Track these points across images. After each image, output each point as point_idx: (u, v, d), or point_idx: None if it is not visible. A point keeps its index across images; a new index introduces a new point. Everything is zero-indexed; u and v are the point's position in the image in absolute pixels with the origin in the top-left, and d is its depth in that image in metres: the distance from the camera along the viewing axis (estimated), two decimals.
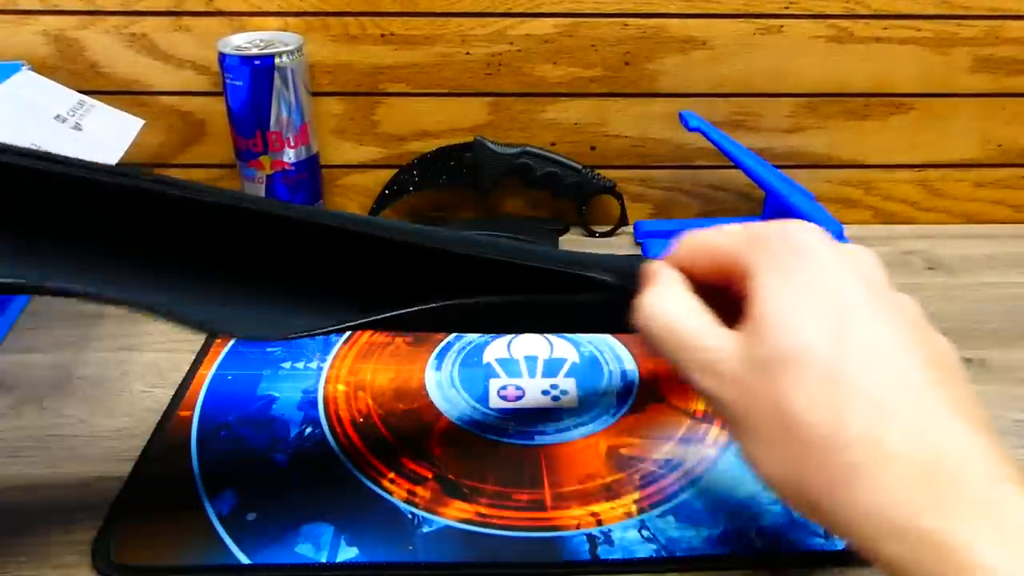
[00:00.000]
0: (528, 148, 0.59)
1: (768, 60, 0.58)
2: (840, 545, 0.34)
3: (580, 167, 0.59)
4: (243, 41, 0.54)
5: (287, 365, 0.45)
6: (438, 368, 0.45)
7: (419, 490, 0.36)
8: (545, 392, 0.43)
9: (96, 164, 0.31)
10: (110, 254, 0.31)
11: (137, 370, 0.45)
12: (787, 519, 0.35)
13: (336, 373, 0.44)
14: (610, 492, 0.37)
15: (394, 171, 0.60)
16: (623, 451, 0.39)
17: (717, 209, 0.64)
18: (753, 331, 0.27)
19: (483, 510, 0.36)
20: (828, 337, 0.25)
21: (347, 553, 0.33)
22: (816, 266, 0.27)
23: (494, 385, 0.44)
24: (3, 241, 0.30)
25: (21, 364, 0.45)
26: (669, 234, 0.60)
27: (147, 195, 0.31)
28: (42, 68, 0.56)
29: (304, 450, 0.39)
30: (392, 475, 0.37)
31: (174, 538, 0.34)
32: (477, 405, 0.42)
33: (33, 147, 0.45)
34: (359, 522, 0.35)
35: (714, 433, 0.40)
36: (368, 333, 0.48)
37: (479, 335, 0.48)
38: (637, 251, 0.59)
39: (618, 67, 0.59)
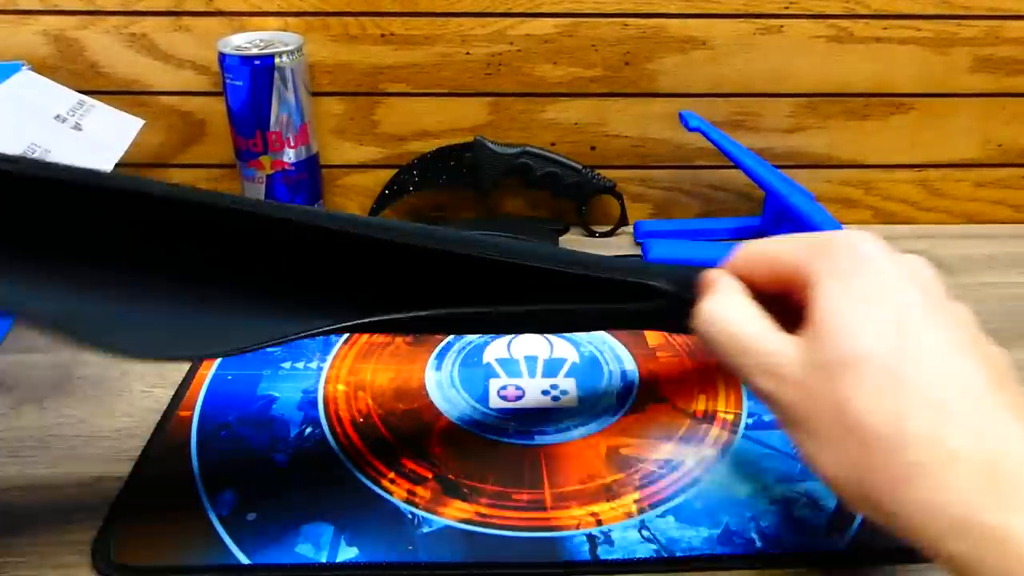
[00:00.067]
0: (528, 148, 0.59)
1: (768, 60, 0.58)
2: (840, 545, 0.34)
3: (580, 167, 0.59)
4: (243, 41, 0.54)
5: (287, 365, 0.45)
6: (438, 368, 0.45)
7: (419, 490, 0.36)
8: (545, 392, 0.43)
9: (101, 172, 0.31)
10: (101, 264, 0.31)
11: (137, 370, 0.45)
12: (787, 519, 0.35)
13: (336, 373, 0.44)
14: (610, 492, 0.37)
15: (394, 171, 0.60)
16: (623, 451, 0.39)
17: (717, 209, 0.64)
18: (814, 335, 0.27)
19: (483, 510, 0.36)
20: (889, 341, 0.26)
21: (347, 553, 0.33)
22: (875, 273, 0.28)
23: (494, 385, 0.44)
24: None
25: (21, 364, 0.45)
26: (669, 234, 0.61)
27: (131, 197, 0.31)
28: (42, 68, 0.56)
29: (304, 450, 0.39)
30: (392, 475, 0.37)
31: (174, 538, 0.34)
32: (477, 405, 0.42)
33: (33, 147, 0.45)
34: (359, 522, 0.35)
35: (714, 433, 0.40)
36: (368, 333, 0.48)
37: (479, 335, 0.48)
38: (637, 251, 0.59)
39: (618, 67, 0.59)
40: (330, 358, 0.46)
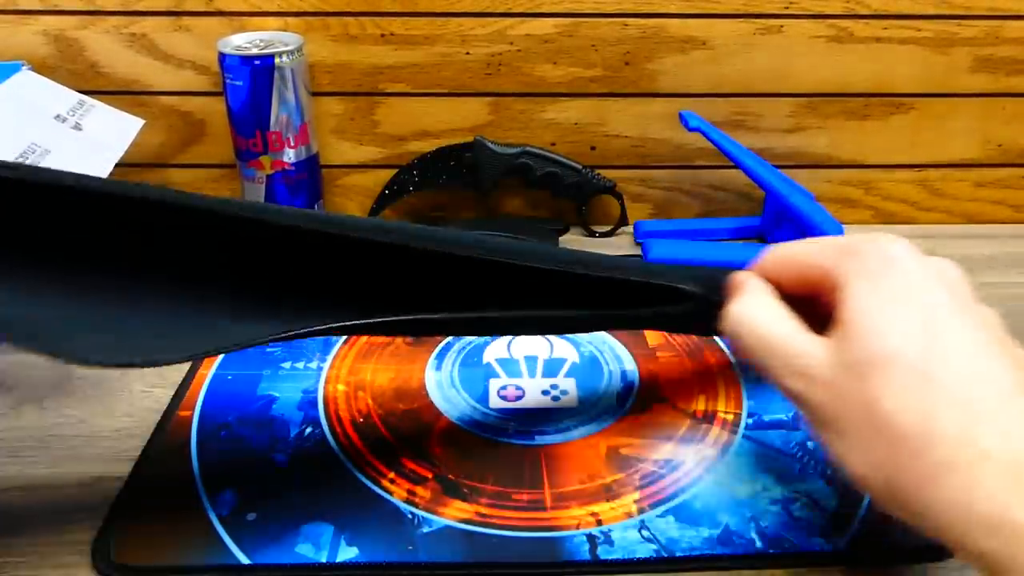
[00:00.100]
0: (528, 148, 0.59)
1: (768, 60, 0.58)
2: (840, 545, 0.34)
3: (580, 167, 0.59)
4: (243, 41, 0.54)
5: (287, 365, 0.45)
6: (438, 368, 0.45)
7: (419, 490, 0.36)
8: (545, 392, 0.43)
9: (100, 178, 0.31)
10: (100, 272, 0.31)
11: (137, 370, 0.45)
12: (787, 519, 0.35)
13: (336, 373, 0.44)
14: (610, 492, 0.37)
15: (394, 171, 0.60)
16: (623, 451, 0.39)
17: (717, 209, 0.64)
18: (843, 336, 0.28)
19: (483, 510, 0.36)
20: (917, 342, 0.27)
21: (347, 553, 0.33)
22: (902, 274, 0.29)
23: (494, 385, 0.44)
24: None
25: (21, 364, 0.45)
26: (669, 234, 0.61)
27: (128, 202, 0.31)
28: (42, 68, 0.56)
29: (304, 450, 0.39)
30: (392, 475, 0.37)
31: (174, 538, 0.34)
32: (477, 405, 0.42)
33: (33, 147, 0.45)
34: (359, 522, 0.35)
35: (714, 433, 0.40)
36: None
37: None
38: (637, 251, 0.59)
39: (618, 67, 0.59)
40: (330, 358, 0.46)
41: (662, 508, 0.36)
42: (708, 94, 0.59)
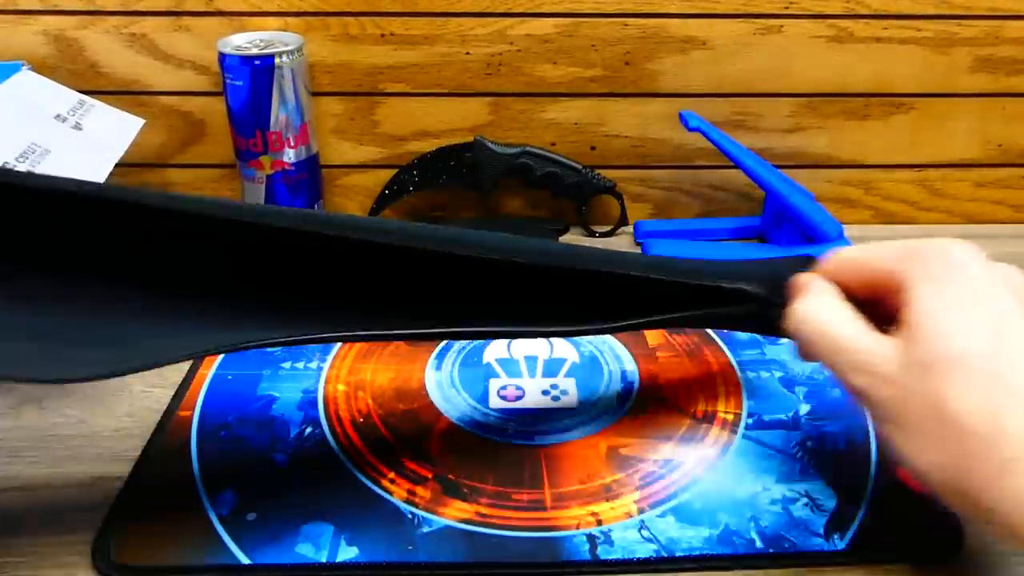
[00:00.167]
0: (528, 148, 0.59)
1: (768, 60, 0.58)
2: (840, 545, 0.34)
3: (580, 167, 0.59)
4: (243, 41, 0.54)
5: (287, 365, 0.45)
6: (438, 368, 0.45)
7: (419, 490, 0.36)
8: (545, 392, 0.43)
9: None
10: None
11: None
12: (787, 519, 0.35)
13: (336, 373, 0.44)
14: (610, 492, 0.37)
15: (394, 171, 0.60)
16: (623, 451, 0.39)
17: (717, 209, 0.64)
18: (910, 336, 0.29)
19: (483, 510, 0.36)
20: (985, 343, 0.28)
21: (347, 553, 0.33)
22: (969, 278, 0.29)
23: (494, 385, 0.44)
24: None
25: None
26: (669, 234, 0.61)
27: (125, 208, 0.31)
28: (42, 68, 0.56)
29: (304, 450, 0.39)
30: (392, 475, 0.37)
31: (174, 538, 0.34)
32: (477, 405, 0.42)
33: (33, 147, 0.45)
34: (359, 522, 0.35)
35: (714, 433, 0.40)
36: None
37: None
38: (637, 251, 0.59)
39: (618, 67, 0.59)
40: (330, 358, 0.46)
41: (662, 508, 0.36)
42: (708, 94, 0.59)
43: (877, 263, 0.32)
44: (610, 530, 0.35)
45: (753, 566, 0.34)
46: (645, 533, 0.34)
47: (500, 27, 0.57)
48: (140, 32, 0.57)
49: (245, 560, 0.33)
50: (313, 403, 0.42)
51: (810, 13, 0.57)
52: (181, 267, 0.33)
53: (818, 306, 0.32)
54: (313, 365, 0.45)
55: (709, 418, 0.41)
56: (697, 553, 0.34)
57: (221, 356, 0.46)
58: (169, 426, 0.40)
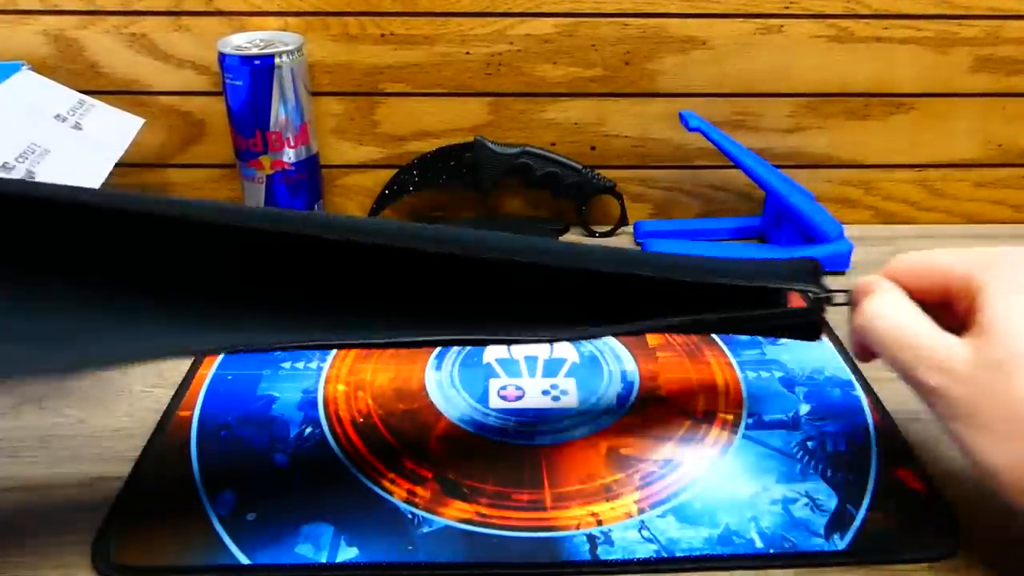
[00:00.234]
0: (528, 148, 0.59)
1: (768, 60, 0.58)
2: (840, 545, 0.34)
3: (580, 167, 0.59)
4: (243, 41, 0.54)
5: (287, 365, 0.45)
6: (438, 368, 0.45)
7: (419, 490, 0.36)
8: (545, 392, 0.43)
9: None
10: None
11: (137, 370, 0.45)
12: (787, 519, 0.35)
13: (336, 373, 0.44)
14: (610, 492, 0.37)
15: (394, 171, 0.60)
16: (623, 451, 0.39)
17: (717, 209, 0.64)
18: (985, 337, 0.29)
19: (483, 510, 0.36)
20: None
21: (347, 553, 0.33)
22: None
23: (494, 385, 0.44)
24: None
25: None
26: (669, 234, 0.61)
27: (122, 213, 0.31)
28: (42, 68, 0.56)
29: (304, 450, 0.39)
30: (392, 475, 0.37)
31: (174, 538, 0.34)
32: (477, 405, 0.42)
33: (33, 147, 0.45)
34: (359, 522, 0.35)
35: (714, 433, 0.40)
36: None
37: None
38: (639, 249, 0.59)
39: (618, 67, 0.59)
40: (330, 358, 0.46)
41: (662, 508, 0.36)
42: (708, 94, 0.59)
43: (948, 267, 0.33)
44: (610, 530, 0.35)
45: (753, 566, 0.34)
46: (645, 533, 0.34)
47: (500, 27, 0.57)
48: (140, 32, 0.57)
49: (245, 560, 0.33)
50: (313, 403, 0.42)
51: (810, 13, 0.57)
52: (182, 272, 0.33)
53: (889, 303, 0.33)
54: (313, 365, 0.45)
55: (709, 418, 0.41)
56: (697, 553, 0.34)
57: (221, 356, 0.46)
58: (169, 426, 0.40)
